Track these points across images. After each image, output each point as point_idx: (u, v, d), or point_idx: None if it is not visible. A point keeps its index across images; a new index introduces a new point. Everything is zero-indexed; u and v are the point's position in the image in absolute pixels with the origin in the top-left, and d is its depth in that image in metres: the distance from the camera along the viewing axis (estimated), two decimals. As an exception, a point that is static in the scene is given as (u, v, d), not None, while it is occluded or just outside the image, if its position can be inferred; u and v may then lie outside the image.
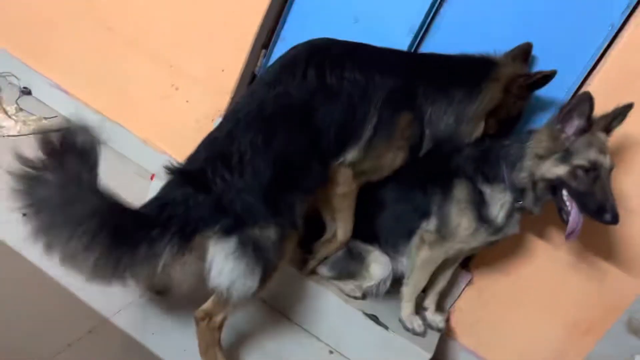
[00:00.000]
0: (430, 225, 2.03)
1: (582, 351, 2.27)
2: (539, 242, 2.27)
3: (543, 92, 2.11)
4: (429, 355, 2.05)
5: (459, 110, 1.95)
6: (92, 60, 2.73)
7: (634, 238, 2.13)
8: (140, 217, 1.56)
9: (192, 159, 1.75)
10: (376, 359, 2.13)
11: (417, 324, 2.14)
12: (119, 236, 1.44)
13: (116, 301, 1.87)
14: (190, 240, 1.56)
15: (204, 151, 1.74)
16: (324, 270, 2.18)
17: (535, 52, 2.10)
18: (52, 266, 1.59)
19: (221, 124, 1.83)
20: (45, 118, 2.75)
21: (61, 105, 2.85)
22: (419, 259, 2.07)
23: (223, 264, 1.59)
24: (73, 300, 1.80)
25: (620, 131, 1.92)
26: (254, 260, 1.60)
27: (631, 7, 1.98)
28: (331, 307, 2.14)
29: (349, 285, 2.16)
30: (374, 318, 2.10)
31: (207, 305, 1.72)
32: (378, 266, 2.13)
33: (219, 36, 2.47)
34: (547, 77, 1.94)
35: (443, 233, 2.00)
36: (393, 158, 1.96)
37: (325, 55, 1.85)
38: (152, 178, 2.60)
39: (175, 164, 1.70)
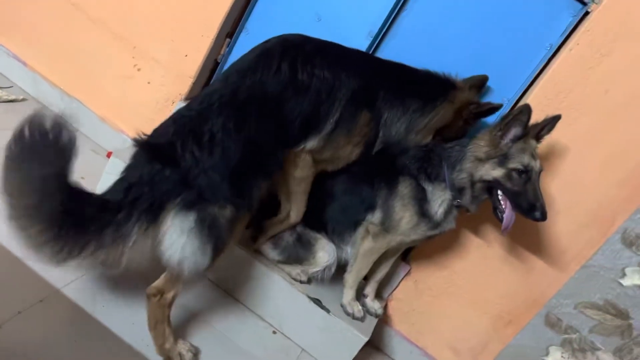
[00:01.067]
0: (375, 217, 2.16)
1: (504, 341, 2.48)
2: (473, 239, 2.43)
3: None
4: (366, 338, 2.19)
5: (411, 120, 2.08)
6: (54, 35, 2.69)
7: (557, 237, 2.32)
8: (104, 203, 1.58)
9: (159, 132, 1.78)
10: (317, 340, 2.24)
11: (357, 309, 2.27)
12: (83, 224, 1.48)
13: (68, 273, 1.91)
14: (158, 216, 1.61)
15: (173, 126, 1.77)
16: (273, 253, 2.27)
17: (482, 65, 2.25)
18: (5, 236, 1.62)
19: (190, 104, 1.87)
20: (1, 88, 2.72)
21: (18, 76, 2.82)
22: (362, 248, 2.20)
23: (178, 238, 1.63)
24: (25, 270, 1.82)
25: (549, 140, 2.13)
26: (207, 237, 1.66)
27: (569, 30, 2.16)
28: (277, 289, 2.24)
29: (296, 270, 2.26)
30: (318, 302, 2.22)
31: (159, 282, 1.76)
32: (324, 253, 2.25)
33: (185, 22, 2.50)
34: (494, 109, 2.14)
35: (386, 225, 2.13)
36: (350, 151, 2.07)
37: (298, 51, 1.94)
38: (108, 155, 2.63)
39: (143, 136, 1.73)
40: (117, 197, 1.60)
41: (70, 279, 1.90)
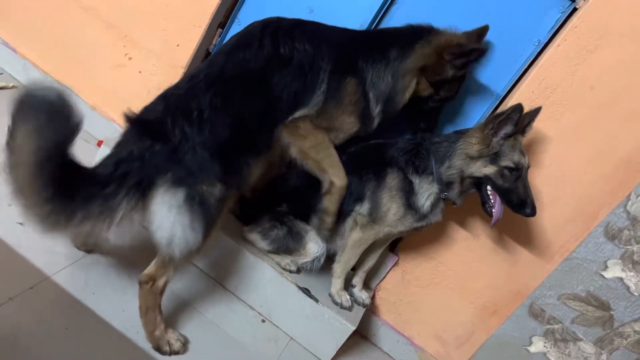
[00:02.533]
0: (363, 208, 2.19)
1: (489, 331, 2.52)
2: (460, 231, 2.47)
3: (475, 97, 2.33)
4: (353, 327, 2.22)
5: (394, 67, 2.07)
6: (45, 22, 2.68)
7: (542, 230, 2.37)
8: (93, 176, 1.60)
9: (148, 109, 1.80)
10: (305, 329, 2.28)
11: (345, 299, 2.31)
12: (72, 193, 1.49)
13: (59, 260, 1.92)
14: (147, 192, 1.63)
15: (162, 103, 1.79)
16: (263, 244, 2.29)
17: None
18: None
19: (178, 83, 1.90)
20: (-10, 74, 2.71)
21: (8, 63, 2.80)
22: (351, 239, 2.23)
23: (167, 216, 1.64)
24: (16, 257, 1.84)
25: (535, 135, 2.18)
26: (197, 215, 1.68)
27: (557, 27, 2.19)
28: (266, 278, 2.26)
29: (286, 260, 2.29)
30: (306, 291, 2.25)
31: (151, 268, 1.78)
32: (314, 245, 2.27)
33: (177, 11, 2.50)
34: (476, 51, 2.06)
35: (374, 217, 2.17)
36: (343, 121, 2.06)
37: (277, 27, 1.98)
38: (99, 144, 2.63)
39: (133, 113, 1.74)
40: (106, 170, 1.62)
41: (61, 266, 1.92)
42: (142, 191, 1.63)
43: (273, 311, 2.31)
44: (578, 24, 2.08)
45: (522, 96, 2.18)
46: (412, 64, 2.07)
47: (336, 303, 2.30)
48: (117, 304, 1.91)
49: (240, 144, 1.82)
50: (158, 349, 1.82)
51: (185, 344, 1.89)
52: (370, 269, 2.45)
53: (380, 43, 2.10)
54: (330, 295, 2.32)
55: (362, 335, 2.66)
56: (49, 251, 1.94)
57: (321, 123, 2.03)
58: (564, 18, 2.16)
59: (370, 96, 2.07)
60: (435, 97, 2.16)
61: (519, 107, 1.93)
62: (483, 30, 2.15)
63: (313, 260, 2.29)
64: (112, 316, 1.85)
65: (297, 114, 1.99)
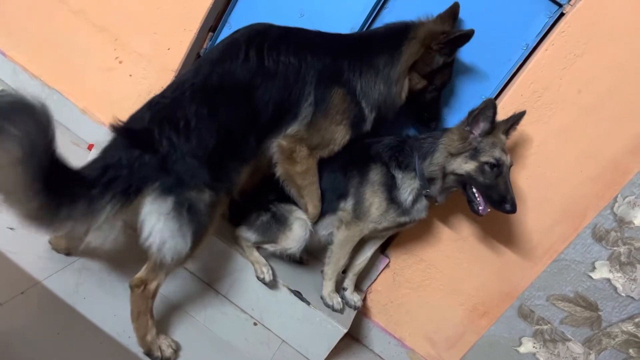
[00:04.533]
0: (347, 205, 2.20)
1: (479, 332, 2.55)
2: (450, 233, 2.49)
3: (466, 101, 2.36)
4: (345, 330, 2.24)
5: (385, 76, 2.09)
6: (34, 25, 2.66)
7: (530, 232, 2.40)
8: (80, 176, 1.60)
9: (134, 118, 1.81)
10: (297, 331, 2.28)
11: (336, 301, 2.32)
12: (58, 191, 1.49)
13: (49, 265, 1.92)
14: (133, 199, 1.64)
15: (148, 112, 1.80)
16: (249, 234, 2.26)
17: (460, 64, 2.31)
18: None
19: (164, 92, 1.91)
20: (-21, 78, 2.69)
21: (-3, 66, 2.79)
22: (338, 239, 2.24)
23: (157, 223, 1.66)
24: (6, 262, 1.83)
25: (523, 137, 2.21)
26: (187, 221, 1.69)
27: (545, 31, 2.22)
28: (258, 282, 2.25)
29: (261, 267, 2.24)
30: (298, 294, 2.26)
31: (142, 272, 1.78)
32: (300, 226, 2.21)
33: (167, 15, 2.49)
34: (464, 36, 2.06)
35: (358, 212, 2.18)
36: (334, 132, 2.08)
37: (264, 38, 1.99)
38: (89, 148, 2.63)
39: (119, 121, 1.75)
40: (93, 173, 1.62)
41: (51, 271, 1.91)
42: (128, 198, 1.63)
43: (265, 314, 2.31)
44: (565, 28, 2.11)
45: (511, 99, 2.22)
46: (403, 67, 2.09)
47: (328, 305, 2.31)
48: (109, 308, 1.91)
49: (227, 152, 1.85)
50: (149, 354, 1.81)
51: (177, 350, 1.89)
52: (360, 271, 2.46)
53: (365, 51, 2.11)
54: (322, 297, 2.33)
55: (353, 337, 2.68)
56: (39, 256, 1.93)
57: (313, 139, 2.06)
58: (552, 22, 2.19)
59: (363, 104, 2.10)
60: (430, 87, 2.19)
61: (490, 103, 1.96)
62: (455, 8, 2.17)
63: (300, 243, 2.22)
64: (103, 321, 1.85)
65: (290, 129, 2.02)
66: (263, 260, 2.26)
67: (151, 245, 1.68)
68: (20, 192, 1.43)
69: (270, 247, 2.27)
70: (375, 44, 2.13)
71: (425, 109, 2.29)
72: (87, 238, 1.97)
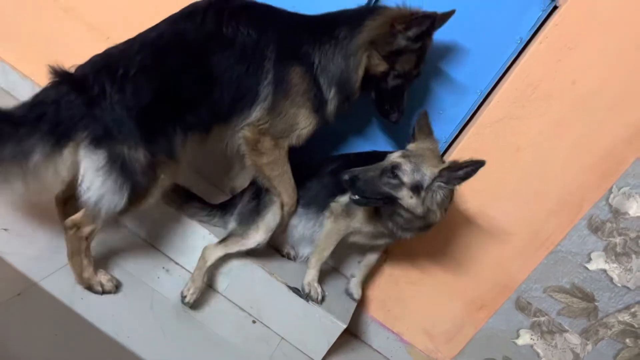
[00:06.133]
0: (343, 199, 2.18)
1: (477, 325, 2.57)
2: (446, 228, 2.47)
3: (458, 95, 2.36)
4: (344, 325, 2.24)
5: (344, 46, 2.00)
6: (24, 24, 2.62)
7: (527, 224, 2.40)
8: (6, 116, 1.59)
9: (79, 66, 1.78)
10: (296, 328, 2.28)
11: (315, 291, 2.26)
12: None
13: (46, 266, 1.90)
14: (62, 142, 1.62)
15: (94, 60, 1.78)
16: (231, 224, 2.24)
17: (455, 58, 2.31)
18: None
19: (117, 45, 1.86)
20: (-32, 78, 2.65)
21: (-15, 66, 2.74)
22: (326, 228, 2.22)
23: (93, 177, 1.66)
24: (2, 263, 1.81)
25: (519, 131, 2.22)
26: (121, 178, 1.68)
27: (538, 24, 2.22)
28: (256, 279, 2.26)
29: (190, 289, 2.15)
30: (296, 291, 2.25)
31: (77, 216, 1.80)
32: (273, 212, 2.17)
33: (160, 12, 2.46)
34: (428, 18, 1.95)
35: (348, 209, 2.16)
36: (297, 115, 2.01)
37: (225, 5, 1.94)
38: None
39: (60, 66, 1.72)
40: (21, 112, 1.61)
41: (48, 271, 1.89)
42: (58, 139, 1.61)
43: (263, 312, 2.30)
44: (559, 21, 2.12)
45: (506, 93, 2.22)
46: (362, 39, 1.99)
47: (304, 293, 2.24)
48: (106, 308, 1.90)
49: (168, 114, 1.79)
50: (90, 289, 1.91)
51: (118, 286, 1.98)
52: (372, 265, 2.44)
53: (328, 25, 2.03)
54: (301, 285, 2.26)
55: (352, 333, 2.68)
56: (35, 257, 1.91)
57: (277, 126, 2.00)
58: (545, 16, 2.20)
59: (321, 81, 2.02)
60: (392, 72, 2.08)
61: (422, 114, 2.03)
62: (446, 15, 2.08)
63: (266, 235, 2.16)
64: (101, 321, 1.84)
65: (252, 116, 1.96)
66: (201, 283, 2.16)
67: (88, 199, 1.69)
68: None
69: (236, 247, 2.18)
70: (341, 19, 2.05)
71: (387, 98, 2.17)
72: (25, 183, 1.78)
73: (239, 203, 2.28)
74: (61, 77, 1.69)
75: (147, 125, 1.72)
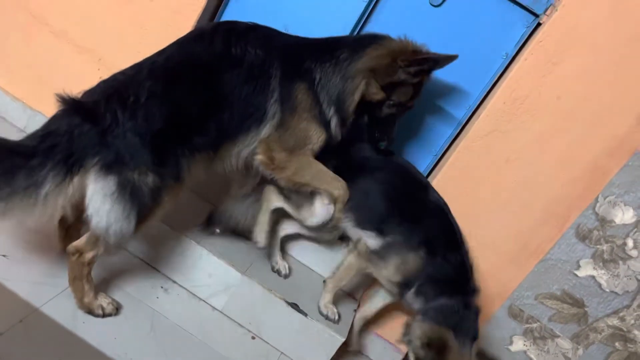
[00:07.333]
0: (372, 242, 2.20)
1: (471, 333, 2.61)
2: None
3: (447, 109, 2.42)
4: (343, 339, 2.26)
5: (343, 68, 2.02)
6: (14, 47, 2.62)
7: (517, 234, 2.46)
8: (17, 147, 1.59)
9: (86, 92, 1.78)
10: (295, 343, 2.29)
11: (331, 312, 2.33)
12: None
13: (46, 291, 1.89)
14: (73, 170, 1.62)
15: (101, 86, 1.78)
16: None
17: (443, 73, 2.32)
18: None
19: (124, 70, 1.86)
20: (-42, 102, 2.64)
21: (-24, 90, 2.74)
22: (347, 260, 2.27)
23: (103, 203, 1.65)
24: (2, 290, 1.80)
25: (509, 142, 2.31)
26: (130, 204, 1.69)
27: (523, 40, 2.30)
28: (255, 295, 2.27)
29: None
30: (295, 306, 2.27)
31: (80, 242, 1.79)
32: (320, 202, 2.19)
33: (152, 33, 2.49)
34: (431, 60, 2.02)
35: (377, 253, 2.19)
36: (307, 130, 2.03)
37: (231, 28, 1.98)
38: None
39: (68, 94, 1.71)
40: (32, 142, 1.61)
41: (48, 296, 1.88)
42: (70, 169, 1.61)
43: (262, 327, 2.32)
44: (543, 38, 2.20)
45: (494, 107, 2.29)
46: (362, 64, 2.03)
47: (322, 315, 2.32)
48: (108, 331, 1.90)
49: (178, 136, 1.79)
50: (90, 312, 1.90)
51: (118, 308, 1.99)
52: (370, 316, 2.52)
53: (330, 46, 2.08)
54: (318, 307, 2.34)
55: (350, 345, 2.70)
56: (35, 282, 1.91)
57: (288, 141, 2.01)
58: (529, 32, 2.28)
59: (321, 98, 2.04)
60: (388, 102, 2.11)
61: None
62: (448, 58, 2.11)
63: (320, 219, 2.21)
64: (103, 344, 1.83)
65: (262, 134, 1.98)
66: (266, 226, 2.26)
67: (97, 225, 1.68)
68: None
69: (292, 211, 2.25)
70: (344, 42, 2.10)
71: (378, 125, 2.19)
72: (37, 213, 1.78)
73: None
74: (71, 105, 1.68)
75: (158, 150, 1.73)
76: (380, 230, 2.19)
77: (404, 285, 2.14)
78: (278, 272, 2.46)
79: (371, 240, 2.21)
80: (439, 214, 2.19)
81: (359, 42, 2.09)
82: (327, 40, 2.13)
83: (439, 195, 2.24)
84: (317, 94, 2.02)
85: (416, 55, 2.02)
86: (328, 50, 2.05)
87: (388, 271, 2.16)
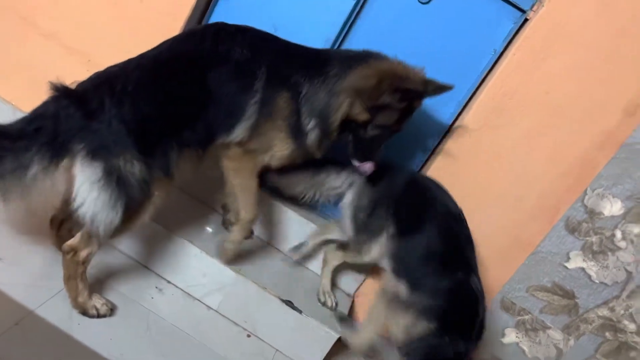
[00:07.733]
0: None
1: (464, 326, 2.64)
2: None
3: (436, 105, 2.42)
4: (337, 335, 2.28)
5: (331, 84, 1.99)
6: (3, 49, 2.60)
7: (508, 227, 2.50)
8: (4, 130, 1.59)
9: (81, 82, 1.80)
10: (290, 340, 2.31)
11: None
12: None
13: (40, 293, 1.89)
14: (60, 154, 1.62)
15: (94, 77, 1.80)
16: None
17: (431, 71, 2.33)
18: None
19: (117, 63, 1.88)
20: (-53, 105, 2.62)
21: (-35, 93, 2.72)
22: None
23: (89, 190, 1.65)
24: (-1, 294, 1.81)
25: (498, 136, 2.32)
26: (116, 193, 1.68)
27: (511, 36, 2.33)
28: (249, 294, 2.29)
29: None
30: (290, 303, 2.29)
31: (74, 240, 1.80)
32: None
33: (142, 34, 2.48)
34: (414, 92, 1.98)
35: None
36: (274, 138, 2.03)
37: (221, 28, 2.00)
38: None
39: (60, 82, 1.72)
40: (19, 125, 1.62)
41: (43, 299, 1.88)
42: (56, 153, 1.61)
43: (257, 325, 2.33)
44: (530, 34, 2.22)
45: (483, 103, 2.31)
46: (347, 83, 1.99)
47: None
48: (104, 332, 1.90)
49: (165, 128, 1.81)
50: (84, 313, 1.91)
51: (112, 309, 1.99)
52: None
53: (322, 60, 2.05)
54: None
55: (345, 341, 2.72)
56: (30, 284, 1.91)
57: (252, 143, 2.02)
58: (517, 28, 2.30)
59: (303, 110, 2.01)
60: (372, 124, 2.04)
61: None
62: (441, 87, 2.08)
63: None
64: (99, 345, 1.84)
65: (237, 133, 1.98)
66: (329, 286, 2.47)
67: (84, 215, 1.68)
68: None
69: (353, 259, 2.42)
70: (335, 57, 2.07)
71: (360, 144, 2.12)
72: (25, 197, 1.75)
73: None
74: (61, 92, 1.69)
75: (144, 139, 1.73)
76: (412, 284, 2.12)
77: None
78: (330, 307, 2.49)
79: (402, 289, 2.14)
80: (469, 294, 2.11)
81: (349, 59, 2.05)
82: (319, 53, 2.10)
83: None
84: (299, 105, 2.01)
85: (402, 80, 1.97)
86: (319, 65, 2.03)
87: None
